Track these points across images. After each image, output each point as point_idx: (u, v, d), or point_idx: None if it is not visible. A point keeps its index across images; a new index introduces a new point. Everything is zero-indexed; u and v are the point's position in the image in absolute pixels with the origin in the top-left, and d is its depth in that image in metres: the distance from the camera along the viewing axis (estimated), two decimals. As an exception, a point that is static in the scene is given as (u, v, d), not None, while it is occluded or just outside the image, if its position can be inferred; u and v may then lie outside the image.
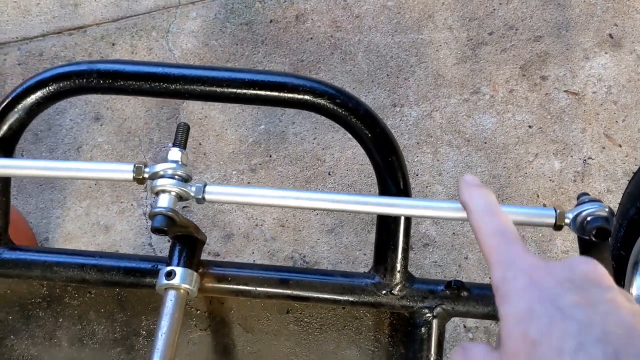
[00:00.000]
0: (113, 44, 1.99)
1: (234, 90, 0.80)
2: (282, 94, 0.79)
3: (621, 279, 0.97)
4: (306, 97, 0.79)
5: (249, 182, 1.83)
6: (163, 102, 1.90)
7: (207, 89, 0.80)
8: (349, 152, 1.82)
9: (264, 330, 0.89)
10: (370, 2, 1.99)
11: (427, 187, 1.78)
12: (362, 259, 1.73)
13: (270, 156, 1.84)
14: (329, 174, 1.82)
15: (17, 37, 2.02)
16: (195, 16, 2.00)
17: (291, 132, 1.86)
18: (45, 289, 0.89)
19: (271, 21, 1.98)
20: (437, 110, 1.85)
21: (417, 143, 1.83)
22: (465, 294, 0.82)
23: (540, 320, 0.45)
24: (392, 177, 0.81)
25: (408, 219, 0.83)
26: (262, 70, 0.81)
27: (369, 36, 1.94)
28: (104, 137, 1.89)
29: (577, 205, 0.73)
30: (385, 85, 1.89)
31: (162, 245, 1.77)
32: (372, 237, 1.75)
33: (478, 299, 0.82)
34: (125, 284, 0.84)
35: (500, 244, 0.53)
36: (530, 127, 1.83)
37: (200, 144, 1.86)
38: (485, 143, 1.81)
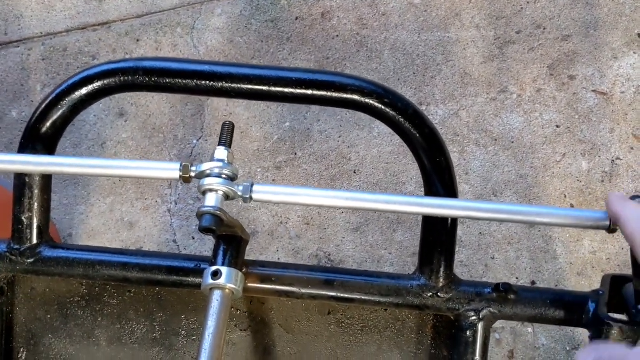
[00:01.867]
0: (137, 40, 1.99)
1: (281, 89, 0.79)
2: (329, 93, 0.78)
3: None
4: (354, 96, 0.78)
5: (274, 180, 1.82)
6: (188, 98, 1.89)
7: (254, 87, 0.79)
8: (375, 150, 1.81)
9: (305, 332, 0.88)
10: (397, 0, 1.97)
11: (453, 186, 1.77)
12: (388, 258, 1.72)
13: (296, 154, 1.84)
14: (355, 172, 1.81)
15: (41, 33, 2.02)
16: (220, 13, 1.99)
17: (316, 130, 1.85)
18: (84, 287, 0.89)
19: (297, 18, 1.97)
20: (464, 109, 1.84)
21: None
22: (512, 297, 0.80)
23: None
24: (439, 178, 0.80)
25: (455, 221, 0.82)
26: (309, 69, 0.80)
27: (396, 34, 1.93)
28: (129, 133, 1.88)
29: (633, 208, 0.71)
30: (412, 83, 1.88)
31: (186, 242, 1.77)
32: (398, 236, 1.75)
33: (526, 302, 0.80)
34: (168, 283, 0.83)
35: None
36: (558, 126, 1.81)
37: (225, 141, 1.86)
38: (513, 142, 1.80)
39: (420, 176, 1.86)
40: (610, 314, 0.80)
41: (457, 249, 1.73)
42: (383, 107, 0.79)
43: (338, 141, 1.84)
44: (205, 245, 1.76)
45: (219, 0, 2.01)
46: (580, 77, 1.86)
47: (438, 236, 0.82)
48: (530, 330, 1.66)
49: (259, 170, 1.83)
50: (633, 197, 0.75)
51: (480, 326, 0.81)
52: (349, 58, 1.92)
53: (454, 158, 1.79)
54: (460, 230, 1.72)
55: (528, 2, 1.94)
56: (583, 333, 1.66)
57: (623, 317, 0.79)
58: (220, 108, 1.88)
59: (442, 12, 1.94)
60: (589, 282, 1.69)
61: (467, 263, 1.69)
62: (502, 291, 0.80)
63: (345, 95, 0.79)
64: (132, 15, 2.02)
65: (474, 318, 0.81)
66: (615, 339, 0.74)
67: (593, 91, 1.84)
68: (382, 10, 1.95)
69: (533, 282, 1.69)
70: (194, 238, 1.77)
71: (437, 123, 1.83)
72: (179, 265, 0.83)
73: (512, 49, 1.90)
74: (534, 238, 1.71)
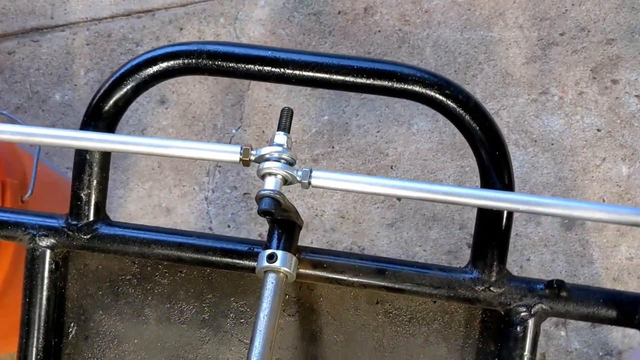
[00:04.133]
0: (181, 29, 2.01)
1: (342, 77, 0.79)
2: (390, 83, 0.79)
3: None
4: (415, 87, 0.79)
5: (310, 172, 1.82)
6: (228, 88, 1.91)
7: (316, 75, 0.79)
8: (413, 146, 1.81)
9: (352, 320, 0.88)
10: (440, -3, 1.97)
11: (490, 186, 1.76)
12: (422, 255, 1.72)
13: (333, 147, 1.84)
14: (392, 168, 1.81)
15: (86, 18, 2.04)
16: (263, 4, 2.00)
17: (354, 124, 1.86)
18: (136, 266, 0.90)
19: (339, 12, 1.98)
20: (504, 109, 1.83)
21: (482, 141, 1.81)
22: (565, 294, 0.80)
23: None
24: (497, 172, 0.80)
25: (510, 215, 0.82)
26: (370, 58, 0.81)
27: (438, 31, 1.92)
28: (169, 120, 1.91)
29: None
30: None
31: (222, 230, 1.78)
32: (432, 233, 1.75)
33: (578, 300, 0.80)
34: (221, 264, 0.84)
35: None
36: (598, 130, 1.80)
37: (263, 132, 1.87)
38: (552, 144, 1.79)
39: (457, 174, 1.86)
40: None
41: (492, 249, 1.72)
42: (444, 99, 0.79)
43: (376, 136, 1.84)
44: (241, 234, 1.77)
45: (262, -9, 2.02)
46: (624, 82, 1.84)
47: (493, 230, 0.82)
48: (563, 333, 1.65)
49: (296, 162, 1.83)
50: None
51: (531, 322, 0.81)
52: (390, 54, 1.92)
53: (493, 158, 1.79)
54: (496, 230, 1.72)
55: (573, 4, 1.93)
56: (617, 339, 1.65)
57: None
58: (260, 99, 1.90)
59: (486, 11, 1.93)
60: (625, 288, 1.67)
61: (502, 263, 1.69)
62: (555, 288, 0.80)
63: (406, 86, 0.79)
64: (176, 4, 2.04)
65: (525, 314, 0.81)
66: (671, 340, 0.73)
67: (636, 96, 1.83)
68: (425, 7, 1.95)
69: (568, 286, 1.67)
70: (229, 226, 1.78)
71: (477, 122, 1.83)
72: (232, 248, 0.84)
73: (555, 50, 1.88)
74: (570, 241, 1.70)
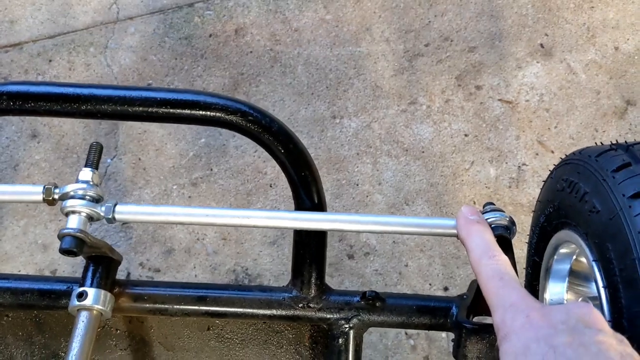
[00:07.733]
0: (50, 61, 1.97)
1: (146, 109, 0.80)
2: (194, 112, 0.80)
3: (537, 284, 1.00)
4: (219, 114, 0.80)
5: (190, 197, 1.82)
6: (101, 118, 1.88)
7: (119, 108, 0.79)
8: (290, 164, 1.83)
9: (185, 348, 0.89)
10: (309, 16, 2.01)
11: (367, 196, 1.81)
12: (304, 271, 1.74)
13: (212, 170, 1.84)
14: (271, 186, 1.82)
15: (-50, 54, 1.98)
16: (133, 31, 1.99)
17: (232, 145, 1.86)
18: (-39, 313, 0.88)
19: (210, 35, 1.98)
20: (375, 121, 1.88)
21: (357, 154, 1.85)
22: (380, 304, 0.83)
23: (535, 357, 0.50)
24: (306, 192, 0.82)
25: (323, 233, 0.84)
26: (174, 89, 0.82)
27: (308, 49, 1.96)
28: (42, 154, 1.86)
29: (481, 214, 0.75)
30: (325, 97, 1.91)
31: (102, 262, 1.75)
32: (314, 248, 1.75)
33: (393, 309, 0.83)
34: (41, 306, 0.83)
35: (499, 287, 0.59)
36: (466, 135, 1.87)
37: (139, 159, 1.85)
38: (423, 152, 1.84)
39: (335, 187, 1.87)
40: (475, 318, 0.84)
41: (371, 258, 1.76)
42: (248, 124, 0.81)
43: (254, 156, 1.86)
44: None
45: (132, 19, 2.00)
46: (487, 87, 1.92)
47: (307, 248, 0.84)
48: (444, 335, 1.69)
49: (174, 187, 1.83)
50: (485, 205, 0.78)
51: (351, 334, 0.84)
52: (263, 74, 1.94)
53: (367, 169, 1.83)
54: (374, 239, 1.76)
55: (435, 16, 2.00)
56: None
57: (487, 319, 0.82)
58: (135, 126, 1.88)
59: (353, 26, 1.98)
60: (500, 286, 1.74)
61: (382, 272, 1.73)
62: (370, 299, 0.83)
63: (210, 114, 0.80)
64: (44, 36, 2.00)
65: (345, 326, 0.84)
66: (472, 341, 0.77)
67: (499, 100, 1.91)
68: (295, 26, 1.98)
69: (446, 288, 1.73)
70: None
71: (351, 135, 1.87)
72: (50, 288, 0.83)
73: (421, 61, 1.95)
74: (445, 245, 1.75)
